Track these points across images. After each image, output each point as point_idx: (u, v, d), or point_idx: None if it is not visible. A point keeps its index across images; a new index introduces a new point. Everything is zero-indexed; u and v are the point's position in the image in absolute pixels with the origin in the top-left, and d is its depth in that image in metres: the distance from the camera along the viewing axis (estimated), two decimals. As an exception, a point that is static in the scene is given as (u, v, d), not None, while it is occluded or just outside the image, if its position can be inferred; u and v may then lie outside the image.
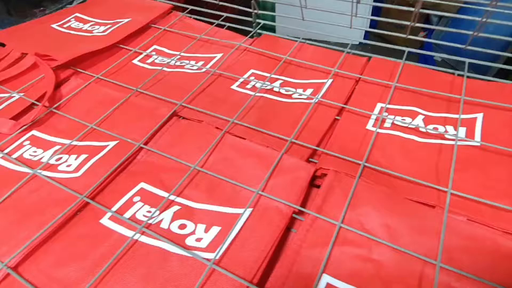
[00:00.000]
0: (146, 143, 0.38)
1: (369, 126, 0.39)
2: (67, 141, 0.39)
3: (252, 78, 0.48)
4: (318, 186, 0.34)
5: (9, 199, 0.33)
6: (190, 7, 0.61)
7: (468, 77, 0.44)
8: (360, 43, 0.76)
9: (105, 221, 0.32)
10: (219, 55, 0.52)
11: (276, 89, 0.46)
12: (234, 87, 0.47)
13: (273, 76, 0.47)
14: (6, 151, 0.38)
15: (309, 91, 0.45)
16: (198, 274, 0.27)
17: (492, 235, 0.28)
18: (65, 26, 0.59)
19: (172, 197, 0.33)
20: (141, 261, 0.28)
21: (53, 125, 0.41)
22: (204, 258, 0.28)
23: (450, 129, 0.38)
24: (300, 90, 0.45)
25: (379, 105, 0.42)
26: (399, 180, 0.33)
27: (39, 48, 0.51)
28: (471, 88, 0.42)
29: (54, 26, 0.59)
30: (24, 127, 0.41)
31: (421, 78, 0.44)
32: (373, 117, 0.40)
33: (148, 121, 0.41)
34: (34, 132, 0.41)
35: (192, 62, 0.51)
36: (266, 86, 0.46)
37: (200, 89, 0.45)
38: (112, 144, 0.39)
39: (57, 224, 0.31)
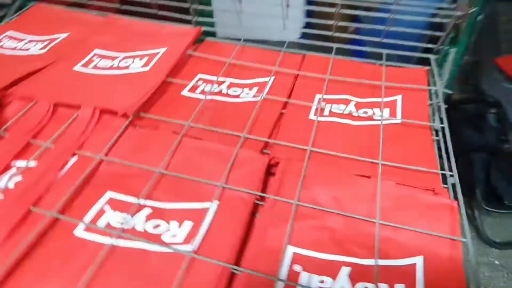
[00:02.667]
0: (106, 155, 0.40)
1: (311, 115, 0.45)
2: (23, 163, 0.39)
3: (200, 82, 0.51)
4: (273, 174, 0.38)
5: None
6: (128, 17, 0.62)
7: (387, 65, 0.51)
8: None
9: (79, 232, 0.33)
10: (161, 52, 0.53)
11: (224, 91, 0.49)
12: (184, 92, 0.49)
13: (220, 79, 0.51)
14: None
15: (254, 89, 0.49)
16: (179, 265, 0.30)
17: (416, 193, 0.35)
18: (-3, 45, 0.57)
19: (141, 201, 0.35)
20: (122, 265, 0.30)
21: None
22: (183, 250, 0.31)
23: (377, 111, 0.45)
24: (246, 90, 0.49)
25: (317, 96, 0.47)
26: (340, 159, 0.39)
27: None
28: (390, 75, 0.50)
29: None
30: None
31: (350, 69, 0.51)
32: (313, 107, 0.46)
33: (104, 133, 0.42)
34: None
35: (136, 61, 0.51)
36: (214, 89, 0.49)
37: (150, 96, 0.47)
38: (73, 160, 0.39)
39: (30, 243, 0.32)
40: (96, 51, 0.55)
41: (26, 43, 0.58)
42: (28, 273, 0.30)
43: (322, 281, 0.29)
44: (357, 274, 0.29)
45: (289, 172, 0.37)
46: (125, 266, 0.30)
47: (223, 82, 0.51)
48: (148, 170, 0.38)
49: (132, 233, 0.32)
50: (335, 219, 0.33)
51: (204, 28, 0.60)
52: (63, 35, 0.59)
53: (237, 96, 0.49)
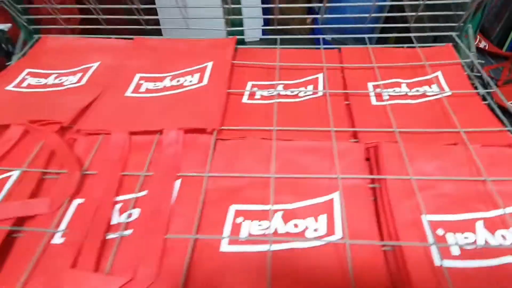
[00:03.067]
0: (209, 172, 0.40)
1: (373, 101, 0.49)
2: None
3: (255, 89, 0.53)
4: (368, 160, 0.42)
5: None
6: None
7: (410, 47, 0.57)
8: (261, 39, 0.97)
9: (225, 247, 0.34)
10: (209, 66, 0.54)
11: (282, 93, 0.52)
12: (245, 100, 0.51)
13: (273, 83, 0.53)
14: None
15: (309, 87, 0.52)
16: (340, 255, 0.32)
17: (500, 150, 0.40)
18: (23, 85, 0.54)
19: (272, 207, 0.37)
20: (288, 267, 0.32)
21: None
22: (335, 240, 0.33)
23: (427, 88, 0.50)
24: (302, 88, 0.52)
25: (370, 84, 0.52)
26: (423, 135, 0.43)
27: (15, 117, 0.47)
28: (425, 54, 0.55)
29: (9, 88, 0.53)
30: (66, 201, 0.38)
31: (386, 55, 0.56)
32: (372, 94, 0.50)
33: (196, 152, 0.42)
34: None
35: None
36: (272, 93, 0.52)
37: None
38: (177, 183, 0.39)
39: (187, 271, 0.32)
40: (139, 75, 0.54)
41: (55, 77, 0.55)
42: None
43: (466, 237, 0.33)
44: (491, 224, 0.34)
45: (390, 153, 0.40)
46: (291, 267, 0.32)
47: (277, 85, 0.53)
48: (260, 178, 0.39)
49: (281, 236, 0.34)
50: (447, 186, 0.37)
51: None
52: (94, 65, 0.57)
53: (296, 96, 0.51)
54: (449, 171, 0.38)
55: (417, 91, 0.50)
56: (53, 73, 0.56)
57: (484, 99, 0.48)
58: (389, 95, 0.50)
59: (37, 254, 0.34)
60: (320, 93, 0.50)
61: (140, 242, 0.34)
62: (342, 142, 0.42)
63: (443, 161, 0.39)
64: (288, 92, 0.52)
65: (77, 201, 0.39)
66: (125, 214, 0.37)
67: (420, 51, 0.56)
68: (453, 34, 0.57)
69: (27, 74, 0.56)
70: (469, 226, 0.34)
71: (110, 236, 0.35)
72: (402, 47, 0.58)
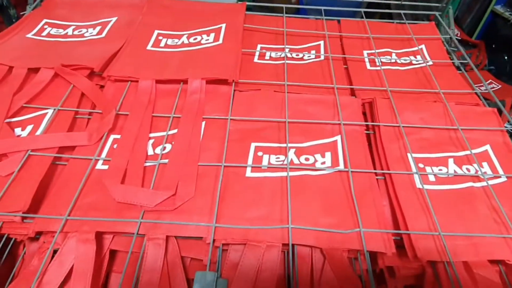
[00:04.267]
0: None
1: (368, 66, 0.57)
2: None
3: (264, 51, 0.59)
4: (364, 113, 0.50)
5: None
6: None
7: (400, 23, 0.65)
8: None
9: (250, 174, 0.41)
10: (223, 27, 0.59)
11: (289, 55, 0.58)
12: (256, 60, 0.57)
13: (281, 46, 0.59)
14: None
15: (313, 52, 0.59)
16: (340, 180, 0.40)
17: (469, 108, 0.49)
18: (43, 34, 0.56)
19: (286, 145, 0.44)
20: (302, 188, 0.39)
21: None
22: (340, 168, 0.41)
23: (412, 58, 0.59)
24: (306, 53, 0.59)
25: (365, 52, 0.59)
26: (409, 94, 0.51)
27: (44, 61, 0.50)
28: (412, 29, 0.63)
29: (30, 36, 0.56)
30: (104, 135, 0.43)
31: (380, 28, 0.63)
32: (366, 60, 0.57)
33: (218, 99, 0.48)
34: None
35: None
36: (280, 55, 0.58)
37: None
38: (203, 124, 0.45)
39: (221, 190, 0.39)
40: (157, 31, 0.58)
41: (74, 29, 0.58)
42: (231, 211, 0.37)
43: (440, 169, 0.42)
44: (459, 161, 0.43)
45: (383, 107, 0.48)
46: (303, 189, 0.39)
47: (284, 49, 0.59)
48: (276, 122, 0.46)
49: (297, 166, 0.41)
50: (427, 132, 0.46)
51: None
52: (112, 19, 0.60)
53: (302, 59, 0.58)
54: (429, 121, 0.47)
55: (405, 60, 0.58)
56: (72, 25, 0.59)
57: (458, 68, 0.57)
58: (381, 61, 0.57)
59: (85, 177, 0.39)
60: (322, 57, 0.57)
61: (176, 168, 0.40)
62: (343, 97, 0.50)
63: (425, 113, 0.48)
64: (294, 55, 0.58)
65: (113, 136, 0.44)
66: (159, 147, 0.43)
67: (408, 26, 0.64)
68: (436, 13, 0.65)
69: (45, 24, 0.58)
70: (443, 162, 0.43)
71: (149, 163, 0.41)
72: (393, 23, 0.66)
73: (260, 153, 0.43)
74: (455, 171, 0.42)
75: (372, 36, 0.61)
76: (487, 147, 0.45)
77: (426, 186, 0.40)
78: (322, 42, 0.61)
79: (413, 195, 0.39)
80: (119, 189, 0.37)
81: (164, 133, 0.44)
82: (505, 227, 0.37)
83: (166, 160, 0.41)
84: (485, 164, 0.43)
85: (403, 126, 0.45)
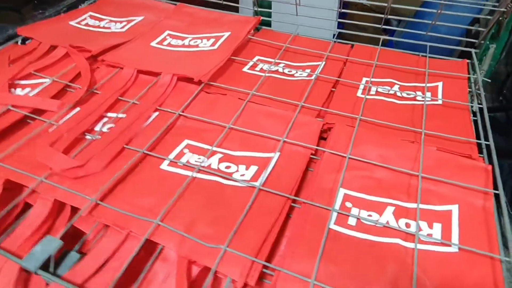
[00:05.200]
0: (183, 112, 0.47)
1: (359, 93, 0.50)
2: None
3: (258, 62, 0.58)
4: (325, 139, 0.44)
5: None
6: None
7: (430, 57, 0.56)
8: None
9: (165, 167, 0.40)
10: (226, 35, 0.60)
11: (280, 70, 0.56)
12: (245, 69, 0.56)
13: (276, 60, 0.57)
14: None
15: (307, 71, 0.56)
16: (249, 196, 0.36)
17: (455, 157, 0.39)
18: (82, 23, 0.66)
19: (214, 148, 0.42)
20: (202, 192, 0.37)
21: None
22: (252, 184, 0.37)
23: (419, 94, 0.50)
24: (300, 71, 0.56)
25: (364, 79, 0.53)
26: (386, 128, 0.44)
27: (65, 41, 0.58)
28: (433, 64, 0.55)
29: (72, 23, 0.66)
30: (69, 106, 0.48)
31: (394, 58, 0.56)
32: (361, 87, 0.51)
33: (181, 96, 0.49)
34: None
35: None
36: (272, 68, 0.56)
37: (218, 70, 0.54)
38: (155, 114, 0.47)
39: (125, 172, 0.39)
40: (168, 32, 0.63)
41: (107, 22, 0.67)
42: (122, 193, 0.37)
43: (370, 215, 0.34)
44: (400, 212, 0.34)
45: (342, 133, 0.42)
46: (204, 194, 0.37)
47: (279, 63, 0.57)
48: (219, 125, 0.44)
49: (209, 170, 0.39)
50: (381, 172, 0.38)
51: (262, 18, 0.67)
52: (138, 18, 0.67)
53: (292, 76, 0.55)
54: (390, 161, 0.39)
55: (408, 94, 0.50)
56: (106, 19, 0.68)
57: (474, 115, 0.46)
58: (377, 91, 0.51)
59: (31, 135, 0.44)
60: (313, 77, 0.53)
61: (100, 145, 0.42)
62: (304, 116, 0.45)
63: (389, 151, 0.40)
64: (286, 71, 0.56)
65: (77, 109, 0.48)
66: (106, 126, 0.45)
67: (430, 61, 0.55)
68: (473, 50, 0.55)
69: (89, 16, 0.69)
70: (379, 207, 0.35)
71: (88, 137, 0.44)
72: (418, 55, 0.58)
73: (186, 150, 0.42)
74: (387, 222, 0.33)
75: (376, 63, 0.54)
76: (454, 207, 0.35)
77: (339, 228, 0.33)
78: (322, 63, 0.57)
79: (315, 233, 0.32)
80: (42, 149, 0.40)
81: (116, 115, 0.47)
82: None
83: (100, 137, 0.43)
84: (437, 226, 0.33)
85: (349, 157, 0.39)
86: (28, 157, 0.40)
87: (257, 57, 0.59)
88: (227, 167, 0.40)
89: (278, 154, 0.41)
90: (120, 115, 0.47)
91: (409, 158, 0.39)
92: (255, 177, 0.38)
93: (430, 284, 0.29)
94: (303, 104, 0.47)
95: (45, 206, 0.36)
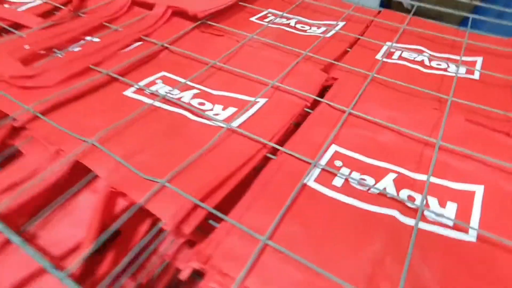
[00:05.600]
0: (169, 44, 0.40)
1: (378, 56, 0.42)
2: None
3: (269, 15, 0.50)
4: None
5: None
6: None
7: (471, 32, 0.47)
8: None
9: (129, 93, 0.33)
10: None
11: (291, 24, 0.48)
12: (253, 19, 0.49)
13: (289, 15, 0.50)
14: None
15: (322, 28, 0.48)
16: (214, 135, 0.29)
17: (485, 131, 0.31)
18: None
19: (191, 84, 0.35)
20: (161, 122, 0.30)
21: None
22: (222, 124, 0.30)
23: (452, 66, 0.41)
24: (314, 28, 0.48)
25: (388, 43, 0.45)
26: (404, 88, 0.36)
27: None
28: (472, 38, 0.45)
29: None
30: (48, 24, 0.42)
31: (428, 27, 0.48)
32: (383, 49, 0.43)
33: (172, 29, 0.43)
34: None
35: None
36: (282, 21, 0.49)
37: (221, 14, 0.47)
38: (137, 43, 0.40)
39: (79, 92, 0.33)
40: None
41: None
42: (68, 110, 0.31)
43: (363, 179, 0.26)
44: (404, 182, 0.26)
45: (346, 86, 0.34)
46: (162, 123, 0.30)
47: (292, 18, 0.50)
48: (205, 62, 0.38)
49: (178, 101, 0.32)
50: (388, 135, 0.30)
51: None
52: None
53: (304, 31, 0.47)
54: (400, 123, 0.31)
55: (437, 64, 0.41)
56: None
57: (518, 95, 0.37)
58: (401, 56, 0.42)
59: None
60: (329, 34, 0.46)
61: (65, 60, 0.36)
62: (306, 64, 0.38)
63: (402, 114, 0.32)
64: (299, 26, 0.48)
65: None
66: (73, 46, 0.40)
67: (469, 34, 0.46)
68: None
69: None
70: (377, 172, 0.27)
71: (57, 54, 0.38)
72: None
73: (159, 81, 0.35)
74: (384, 189, 0.25)
75: (404, 28, 0.46)
76: (479, 188, 0.26)
77: (319, 187, 0.25)
78: (341, 23, 0.49)
79: (285, 187, 0.25)
80: (6, 60, 0.35)
81: (90, 38, 0.41)
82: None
83: (79, 49, 0.38)
84: (451, 205, 0.25)
85: (350, 112, 0.31)
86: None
87: (269, 10, 0.52)
88: (201, 104, 0.33)
89: (265, 100, 0.34)
90: (95, 39, 0.41)
91: (427, 125, 0.31)
92: (230, 118, 0.31)
93: (431, 275, 0.21)
94: (307, 53, 0.39)
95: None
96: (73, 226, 0.22)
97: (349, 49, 0.44)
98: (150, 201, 0.22)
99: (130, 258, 0.20)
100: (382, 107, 0.33)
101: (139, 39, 0.41)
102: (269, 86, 0.34)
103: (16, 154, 0.28)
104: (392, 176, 0.26)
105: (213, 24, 0.45)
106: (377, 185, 0.26)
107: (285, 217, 0.23)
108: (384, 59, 0.41)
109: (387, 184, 0.26)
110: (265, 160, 0.28)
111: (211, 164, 0.26)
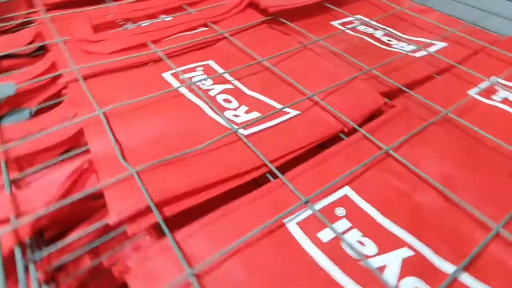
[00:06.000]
0: (230, 35, 0.39)
1: (471, 92, 0.33)
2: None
3: (356, 21, 0.44)
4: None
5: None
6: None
7: None
8: None
9: (167, 75, 0.33)
10: None
11: (376, 35, 0.41)
12: (335, 23, 0.44)
13: (377, 24, 0.43)
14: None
15: (412, 46, 0.39)
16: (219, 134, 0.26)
17: None
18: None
19: (229, 77, 0.33)
20: (177, 109, 0.29)
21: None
22: (231, 123, 0.27)
23: None
24: (403, 44, 0.40)
25: (494, 78, 0.34)
26: (489, 142, 0.26)
27: None
28: None
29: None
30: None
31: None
32: (482, 85, 0.33)
33: (241, 20, 0.41)
34: None
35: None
36: (367, 30, 0.42)
37: (297, 12, 0.44)
38: (202, 28, 0.40)
39: (121, 63, 0.34)
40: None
41: None
42: (109, 81, 0.32)
43: (361, 242, 0.20)
44: (418, 267, 0.19)
45: (401, 120, 0.27)
46: (177, 111, 0.29)
47: (380, 28, 0.43)
48: (255, 58, 0.35)
49: (204, 93, 0.30)
50: (432, 197, 0.22)
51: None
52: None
53: (388, 45, 0.40)
54: (456, 188, 0.23)
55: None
56: None
57: None
58: (506, 99, 0.32)
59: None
60: (417, 53, 0.37)
61: (127, 34, 0.38)
62: (364, 83, 0.31)
63: (465, 175, 0.23)
64: (384, 39, 0.41)
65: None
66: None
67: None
68: None
69: None
70: (387, 241, 0.20)
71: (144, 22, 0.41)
72: None
73: (200, 69, 0.34)
74: (384, 267, 0.19)
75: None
76: None
77: (298, 233, 0.20)
78: (442, 44, 0.40)
79: (258, 219, 0.21)
80: (79, 18, 0.39)
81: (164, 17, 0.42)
82: None
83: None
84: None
85: (386, 151, 0.24)
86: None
87: (359, 16, 0.45)
88: (226, 101, 0.30)
89: (297, 112, 0.29)
90: (168, 18, 0.42)
91: (500, 197, 0.22)
92: (246, 123, 0.28)
93: None
94: (372, 70, 0.33)
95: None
96: (45, 188, 0.23)
97: (436, 76, 0.35)
98: (109, 187, 0.21)
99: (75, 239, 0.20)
100: (440, 158, 0.25)
101: (205, 25, 0.41)
102: (306, 97, 0.29)
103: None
104: (405, 253, 0.19)
105: (285, 21, 0.41)
106: (376, 258, 0.19)
107: (234, 255, 0.19)
108: (478, 97, 0.32)
109: (392, 261, 0.19)
110: (265, 179, 0.24)
111: (197, 167, 0.24)
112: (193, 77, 0.33)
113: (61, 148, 0.26)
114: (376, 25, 0.43)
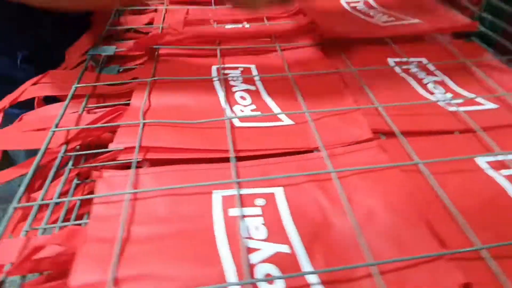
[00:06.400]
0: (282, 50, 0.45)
1: (480, 160, 0.31)
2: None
3: (414, 62, 0.44)
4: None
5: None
6: None
7: None
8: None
9: (213, 68, 0.41)
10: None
11: (425, 81, 0.41)
12: (390, 60, 0.45)
13: (433, 68, 0.43)
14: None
15: (459, 100, 0.38)
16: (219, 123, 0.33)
17: None
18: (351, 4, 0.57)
19: (257, 80, 0.39)
20: (203, 92, 0.37)
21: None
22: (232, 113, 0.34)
23: None
24: (449, 95, 0.39)
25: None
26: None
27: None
28: None
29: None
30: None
31: None
32: (499, 157, 0.31)
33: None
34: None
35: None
36: (417, 74, 0.42)
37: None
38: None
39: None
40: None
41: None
42: (167, 64, 0.42)
43: (257, 228, 0.24)
44: (283, 261, 0.22)
45: (370, 155, 0.29)
46: (201, 93, 0.37)
47: (433, 75, 0.42)
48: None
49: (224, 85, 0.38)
50: (343, 221, 0.25)
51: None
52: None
53: (431, 93, 0.39)
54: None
55: None
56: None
57: None
58: None
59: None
60: (461, 109, 0.36)
61: (211, 31, 0.48)
62: (363, 116, 0.34)
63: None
64: (430, 86, 0.40)
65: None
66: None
67: None
68: None
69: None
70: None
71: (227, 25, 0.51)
72: None
73: (239, 70, 0.41)
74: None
75: None
76: None
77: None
78: (489, 105, 0.37)
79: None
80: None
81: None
82: None
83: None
84: None
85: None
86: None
87: (420, 59, 0.45)
88: (242, 98, 0.37)
89: (290, 122, 0.34)
90: (247, 25, 0.51)
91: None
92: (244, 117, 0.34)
93: None
94: (379, 106, 0.34)
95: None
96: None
97: (457, 132, 0.34)
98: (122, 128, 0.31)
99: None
100: (377, 198, 0.26)
101: (270, 36, 0.48)
102: (300, 111, 0.34)
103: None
104: (283, 248, 0.23)
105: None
106: (257, 242, 0.23)
107: (164, 196, 0.26)
108: (484, 165, 0.30)
109: (267, 248, 0.23)
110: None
111: (186, 134, 0.31)
112: (230, 73, 0.40)
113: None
114: (432, 70, 0.42)
